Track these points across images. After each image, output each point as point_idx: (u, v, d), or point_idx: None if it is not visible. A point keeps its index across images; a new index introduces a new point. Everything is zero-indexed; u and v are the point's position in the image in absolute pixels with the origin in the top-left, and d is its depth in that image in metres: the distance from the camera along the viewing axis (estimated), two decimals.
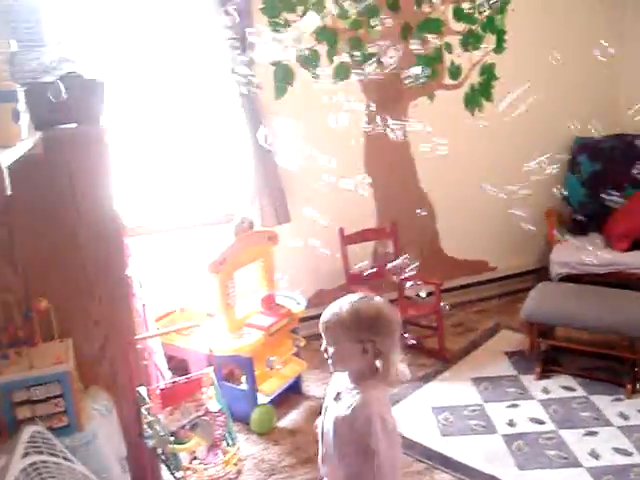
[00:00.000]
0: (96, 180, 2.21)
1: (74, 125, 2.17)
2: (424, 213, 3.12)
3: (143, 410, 2.47)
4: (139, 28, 3.59)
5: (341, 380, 1.88)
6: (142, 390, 2.47)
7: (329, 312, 1.82)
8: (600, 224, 4.59)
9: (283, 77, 3.93)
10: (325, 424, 1.89)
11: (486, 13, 4.27)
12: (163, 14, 3.66)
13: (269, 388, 3.44)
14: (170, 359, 3.50)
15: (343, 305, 1.80)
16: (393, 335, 1.79)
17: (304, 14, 3.82)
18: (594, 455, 3.00)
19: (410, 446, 3.12)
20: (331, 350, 1.82)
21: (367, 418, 1.72)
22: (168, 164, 3.89)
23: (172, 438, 2.64)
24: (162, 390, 2.82)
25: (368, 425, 1.71)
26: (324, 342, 1.85)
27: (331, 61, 3.99)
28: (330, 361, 1.84)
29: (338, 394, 1.86)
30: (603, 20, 4.94)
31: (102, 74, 2.27)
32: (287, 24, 3.86)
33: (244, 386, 3.41)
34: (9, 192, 1.51)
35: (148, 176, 3.84)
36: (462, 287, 4.82)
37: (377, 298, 1.85)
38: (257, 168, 3.92)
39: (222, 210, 4.05)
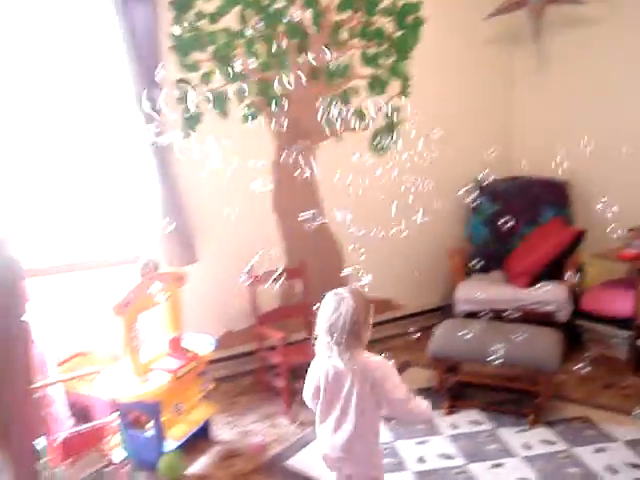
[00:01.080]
0: None
1: None
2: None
3: (40, 464, 2.33)
4: (36, 57, 3.50)
5: (331, 358, 2.16)
6: (40, 442, 2.33)
7: (340, 309, 2.13)
8: (501, 262, 4.78)
9: (191, 116, 3.91)
10: (343, 391, 2.18)
11: (391, 59, 4.45)
12: (66, 46, 3.59)
13: (177, 434, 3.33)
14: (72, 406, 3.33)
15: (347, 300, 2.14)
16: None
17: (215, 55, 3.84)
18: None
19: None
20: (349, 336, 2.12)
21: (387, 368, 2.19)
22: (72, 202, 3.77)
23: None
24: (63, 441, 2.67)
25: (390, 374, 2.19)
26: (333, 336, 2.11)
27: (240, 102, 4.02)
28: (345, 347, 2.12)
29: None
30: (497, 69, 5.25)
31: None
32: (196, 66, 3.87)
33: (151, 432, 3.28)
34: None
35: (49, 215, 3.70)
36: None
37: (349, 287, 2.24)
38: (164, 208, 3.86)
39: (127, 250, 3.95)
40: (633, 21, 4.38)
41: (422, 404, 2.27)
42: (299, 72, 3.81)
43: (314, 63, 4.09)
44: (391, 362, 2.23)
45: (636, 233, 4.24)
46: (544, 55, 5.03)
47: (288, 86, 3.44)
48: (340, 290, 2.20)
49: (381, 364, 2.19)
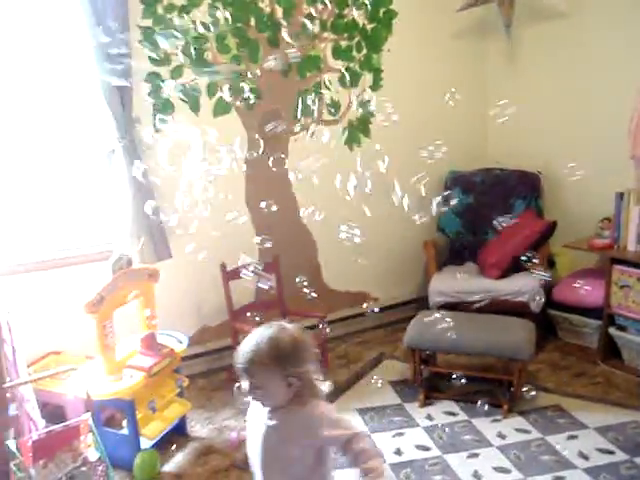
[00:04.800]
0: None
1: None
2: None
3: (12, 466, 2.29)
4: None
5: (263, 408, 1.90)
6: (11, 443, 2.29)
7: (248, 352, 1.81)
8: (475, 253, 4.82)
9: (162, 110, 3.86)
10: (265, 443, 1.89)
11: (363, 52, 4.43)
12: (34, 36, 3.52)
13: (152, 431, 3.30)
14: (44, 406, 3.28)
15: (261, 342, 1.81)
16: (312, 360, 1.87)
17: (184, 48, 3.79)
18: (477, 476, 3.10)
19: None
20: (258, 392, 1.83)
21: (319, 415, 1.84)
22: (42, 199, 3.71)
23: None
24: (34, 441, 2.62)
25: (323, 419, 1.83)
26: (245, 381, 1.83)
27: (211, 96, 3.98)
28: (256, 399, 1.86)
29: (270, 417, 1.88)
30: (470, 62, 5.28)
31: None
32: (167, 58, 3.82)
33: (125, 431, 3.25)
34: None
35: (17, 210, 3.64)
36: (344, 319, 4.87)
37: (288, 325, 1.89)
38: (136, 203, 3.81)
39: (99, 247, 3.90)
40: (601, 13, 4.42)
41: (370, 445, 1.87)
42: (271, 63, 3.78)
43: (284, 57, 4.07)
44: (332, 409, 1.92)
45: (606, 223, 4.30)
46: (515, 47, 5.06)
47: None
48: (262, 328, 1.87)
49: (310, 424, 1.86)
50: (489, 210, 4.90)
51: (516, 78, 5.13)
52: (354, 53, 4.44)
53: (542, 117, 4.91)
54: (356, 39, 4.40)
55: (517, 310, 4.22)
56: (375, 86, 4.58)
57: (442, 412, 3.72)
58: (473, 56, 5.33)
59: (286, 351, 1.80)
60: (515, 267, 4.45)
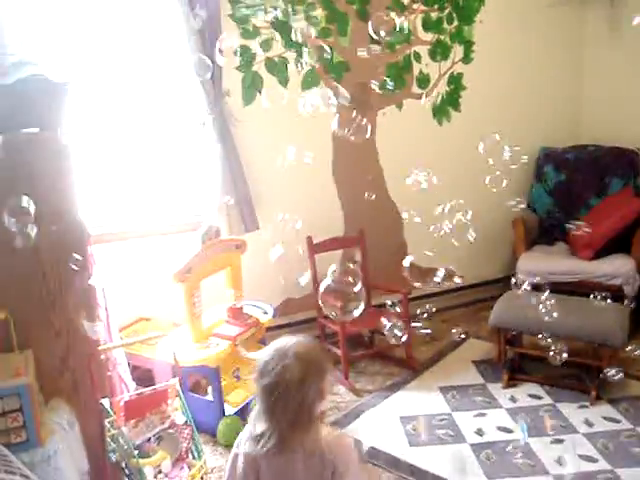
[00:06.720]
0: (58, 186, 2.14)
1: (36, 129, 2.11)
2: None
3: (106, 423, 2.40)
4: (104, 31, 3.53)
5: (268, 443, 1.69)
6: (105, 402, 2.40)
7: (276, 369, 1.65)
8: (566, 233, 4.64)
9: (251, 84, 3.90)
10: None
11: (454, 24, 4.32)
12: (129, 18, 3.60)
13: (236, 399, 3.39)
14: (134, 370, 3.42)
15: (290, 370, 1.65)
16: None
17: (273, 21, 3.80)
18: (560, 463, 3.01)
19: (377, 456, 3.10)
20: (282, 418, 1.66)
21: (348, 455, 1.72)
22: (134, 170, 3.83)
23: (136, 452, 2.58)
24: (126, 402, 2.74)
25: (352, 463, 1.70)
26: (272, 419, 1.68)
27: (300, 69, 3.98)
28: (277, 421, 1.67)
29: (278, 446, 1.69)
30: (567, 32, 5.04)
31: (65, 77, 2.21)
32: (257, 31, 3.84)
33: (210, 397, 3.35)
34: None
35: (113, 182, 3.77)
36: (429, 296, 4.82)
37: (302, 339, 1.75)
38: (225, 175, 3.88)
39: (189, 218, 4.00)
40: None
41: None
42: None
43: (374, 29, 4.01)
44: (350, 443, 1.81)
45: None
46: (617, 16, 4.78)
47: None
48: (284, 347, 1.70)
49: (342, 450, 1.73)
50: (582, 188, 4.71)
51: (617, 47, 4.85)
52: (445, 25, 4.33)
53: None
54: (447, 10, 4.29)
55: (610, 293, 4.04)
56: (467, 59, 4.46)
57: (526, 395, 3.63)
58: (570, 24, 5.06)
59: (316, 365, 1.69)
60: (609, 248, 4.28)
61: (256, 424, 1.72)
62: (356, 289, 1.67)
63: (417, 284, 2.22)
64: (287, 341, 1.72)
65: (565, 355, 2.73)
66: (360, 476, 1.77)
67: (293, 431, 1.66)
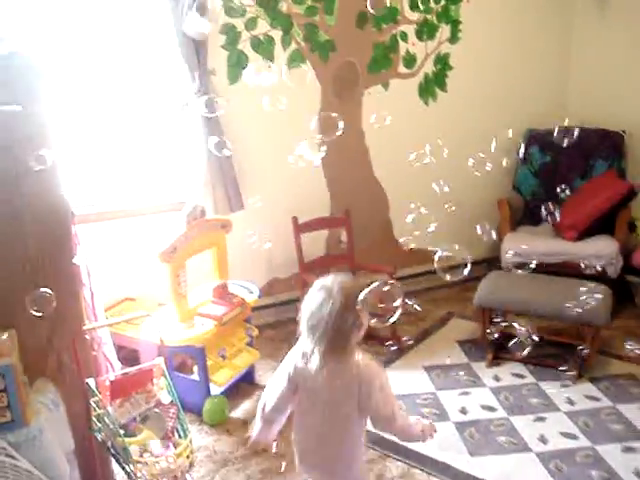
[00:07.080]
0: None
1: (18, 106, 2.08)
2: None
3: (92, 402, 2.40)
4: (85, 8, 3.47)
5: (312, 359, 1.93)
6: (91, 382, 2.40)
7: (322, 310, 1.86)
8: (551, 213, 4.66)
9: (236, 62, 3.86)
10: (324, 396, 1.95)
11: (441, 3, 4.29)
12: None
13: (221, 378, 3.40)
14: (120, 349, 3.41)
15: (334, 299, 1.86)
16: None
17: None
18: (543, 440, 3.06)
19: None
20: (333, 341, 1.87)
21: (377, 378, 1.92)
22: (119, 150, 3.79)
23: (122, 431, 2.58)
24: (111, 382, 2.73)
25: (379, 386, 1.91)
26: (314, 339, 1.89)
27: (286, 47, 3.95)
28: (329, 352, 1.89)
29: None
30: (555, 13, 5.02)
31: (47, 54, 2.18)
32: (242, 9, 3.80)
33: (196, 377, 3.36)
34: None
35: (98, 162, 3.73)
36: (413, 276, 4.84)
37: (341, 276, 1.97)
38: (209, 155, 3.85)
39: (174, 197, 3.97)
40: None
41: (413, 424, 2.01)
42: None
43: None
44: (382, 369, 2.01)
45: None
46: None
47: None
48: (328, 282, 1.93)
49: (371, 373, 1.93)
50: (567, 170, 4.73)
51: (605, 28, 4.85)
52: (432, 4, 4.31)
53: (631, 72, 4.65)
54: None
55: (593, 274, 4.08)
56: (453, 39, 4.45)
57: (510, 373, 3.68)
58: (558, 5, 5.04)
59: (356, 297, 1.83)
60: (593, 230, 4.31)
61: (305, 343, 1.94)
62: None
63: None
64: (334, 277, 1.95)
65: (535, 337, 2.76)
66: (387, 401, 1.93)
67: (332, 353, 1.88)
